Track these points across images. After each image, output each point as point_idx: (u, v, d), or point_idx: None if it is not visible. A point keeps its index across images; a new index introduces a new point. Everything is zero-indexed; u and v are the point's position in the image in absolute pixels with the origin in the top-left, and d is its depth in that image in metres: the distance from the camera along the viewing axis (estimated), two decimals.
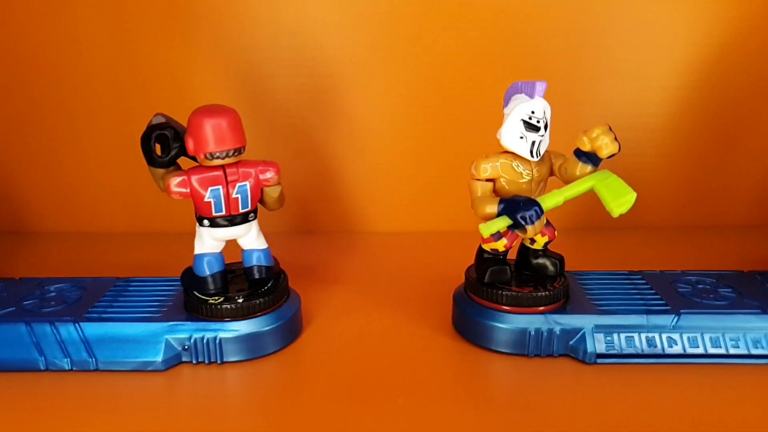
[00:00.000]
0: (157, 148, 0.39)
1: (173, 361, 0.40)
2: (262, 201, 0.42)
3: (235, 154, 0.39)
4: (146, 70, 0.61)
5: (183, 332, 0.40)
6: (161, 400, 0.37)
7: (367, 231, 0.66)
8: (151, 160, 0.40)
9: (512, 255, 0.44)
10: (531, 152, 0.39)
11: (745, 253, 0.58)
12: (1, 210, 0.66)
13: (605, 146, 0.38)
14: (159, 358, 0.39)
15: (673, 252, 0.59)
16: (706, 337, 0.40)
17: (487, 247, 0.42)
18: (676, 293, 0.43)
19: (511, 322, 0.40)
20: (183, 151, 0.40)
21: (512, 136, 0.39)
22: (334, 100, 0.62)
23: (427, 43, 0.60)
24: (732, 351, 0.39)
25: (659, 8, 0.58)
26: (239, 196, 0.40)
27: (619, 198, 0.37)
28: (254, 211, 0.42)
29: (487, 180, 0.40)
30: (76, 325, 0.40)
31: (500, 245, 0.41)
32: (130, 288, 0.45)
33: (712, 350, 0.39)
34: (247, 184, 0.40)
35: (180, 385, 0.38)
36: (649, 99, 0.61)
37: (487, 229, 0.39)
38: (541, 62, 0.60)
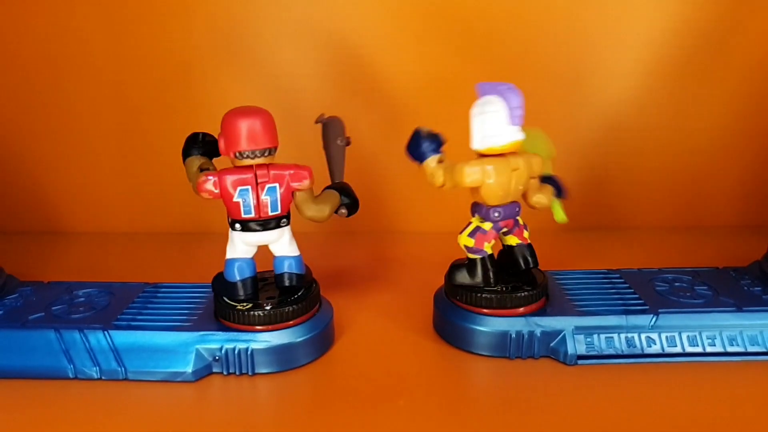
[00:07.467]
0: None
1: (203, 372, 0.39)
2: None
3: (266, 154, 0.38)
4: (179, 75, 0.60)
5: (214, 342, 0.39)
6: (191, 411, 0.36)
7: (402, 231, 0.65)
8: (188, 151, 0.40)
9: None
10: None
11: (721, 252, 0.58)
12: (30, 210, 0.66)
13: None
14: (189, 369, 0.38)
15: (650, 252, 0.59)
16: (684, 336, 0.40)
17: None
18: (654, 292, 0.43)
19: (492, 325, 0.40)
20: (215, 149, 0.40)
21: None
22: (359, 101, 0.60)
23: (462, 41, 0.58)
24: (709, 349, 0.40)
25: (644, 8, 0.57)
26: (268, 198, 0.39)
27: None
28: (287, 216, 0.40)
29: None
30: (105, 333, 0.39)
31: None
32: (159, 294, 0.44)
33: (689, 349, 0.40)
34: (277, 186, 0.39)
35: (210, 397, 0.37)
36: (628, 100, 0.60)
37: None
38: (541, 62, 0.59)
